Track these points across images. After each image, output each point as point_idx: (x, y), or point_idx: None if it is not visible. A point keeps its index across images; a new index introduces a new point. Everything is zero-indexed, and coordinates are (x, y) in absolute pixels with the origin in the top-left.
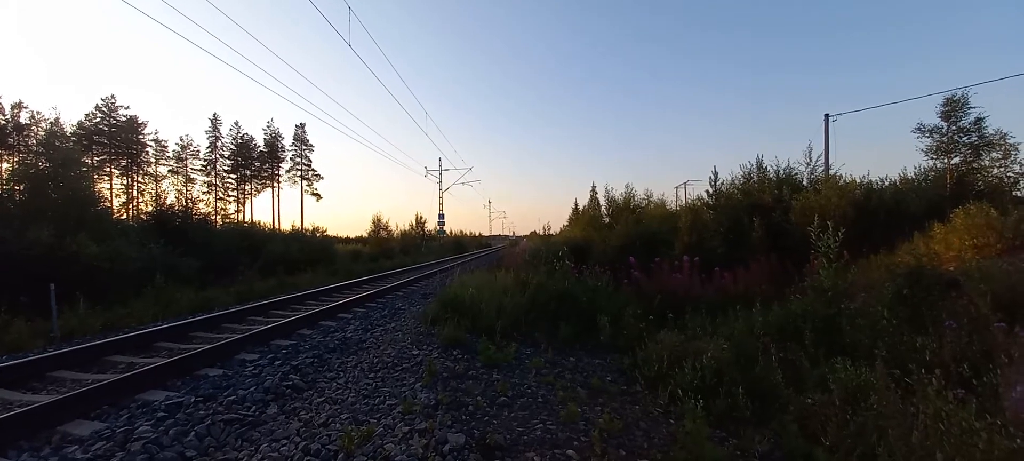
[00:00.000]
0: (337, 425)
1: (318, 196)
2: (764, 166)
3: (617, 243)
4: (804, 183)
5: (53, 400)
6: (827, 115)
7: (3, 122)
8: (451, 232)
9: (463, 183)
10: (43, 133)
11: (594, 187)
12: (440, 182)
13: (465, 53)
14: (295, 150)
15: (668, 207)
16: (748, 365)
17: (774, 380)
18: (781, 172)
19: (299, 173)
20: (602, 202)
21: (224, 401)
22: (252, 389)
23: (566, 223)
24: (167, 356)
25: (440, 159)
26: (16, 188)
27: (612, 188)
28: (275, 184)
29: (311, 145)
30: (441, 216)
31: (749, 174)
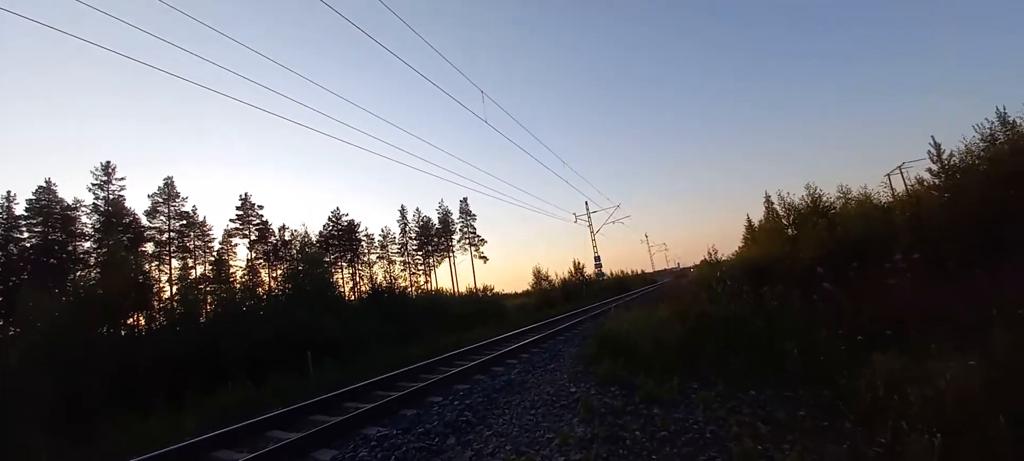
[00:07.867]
0: (501, 455)
1: (485, 259)
2: (1013, 120)
3: (807, 255)
4: None
5: (305, 434)
6: None
7: (275, 241)
8: (611, 273)
9: (613, 222)
10: (299, 244)
11: (767, 196)
12: (590, 225)
13: (601, 100)
14: (462, 221)
15: (874, 202)
16: (1015, 391)
17: None
18: None
19: (467, 240)
20: (780, 211)
21: (415, 432)
22: (436, 423)
23: (741, 243)
24: (378, 401)
25: (586, 203)
26: (286, 286)
27: (789, 193)
28: (450, 254)
29: (474, 215)
30: (597, 259)
31: (992, 135)
